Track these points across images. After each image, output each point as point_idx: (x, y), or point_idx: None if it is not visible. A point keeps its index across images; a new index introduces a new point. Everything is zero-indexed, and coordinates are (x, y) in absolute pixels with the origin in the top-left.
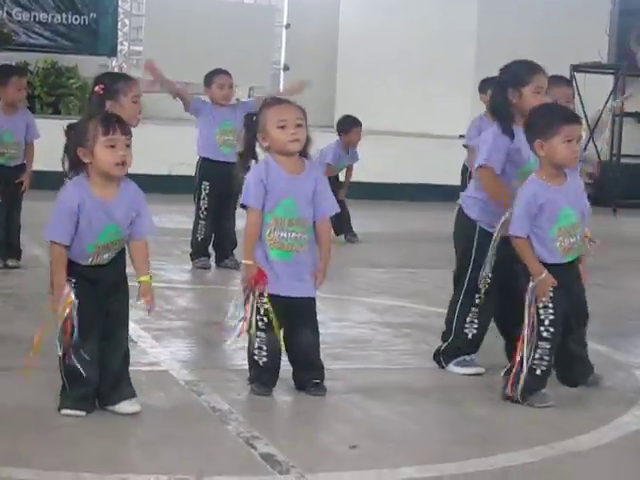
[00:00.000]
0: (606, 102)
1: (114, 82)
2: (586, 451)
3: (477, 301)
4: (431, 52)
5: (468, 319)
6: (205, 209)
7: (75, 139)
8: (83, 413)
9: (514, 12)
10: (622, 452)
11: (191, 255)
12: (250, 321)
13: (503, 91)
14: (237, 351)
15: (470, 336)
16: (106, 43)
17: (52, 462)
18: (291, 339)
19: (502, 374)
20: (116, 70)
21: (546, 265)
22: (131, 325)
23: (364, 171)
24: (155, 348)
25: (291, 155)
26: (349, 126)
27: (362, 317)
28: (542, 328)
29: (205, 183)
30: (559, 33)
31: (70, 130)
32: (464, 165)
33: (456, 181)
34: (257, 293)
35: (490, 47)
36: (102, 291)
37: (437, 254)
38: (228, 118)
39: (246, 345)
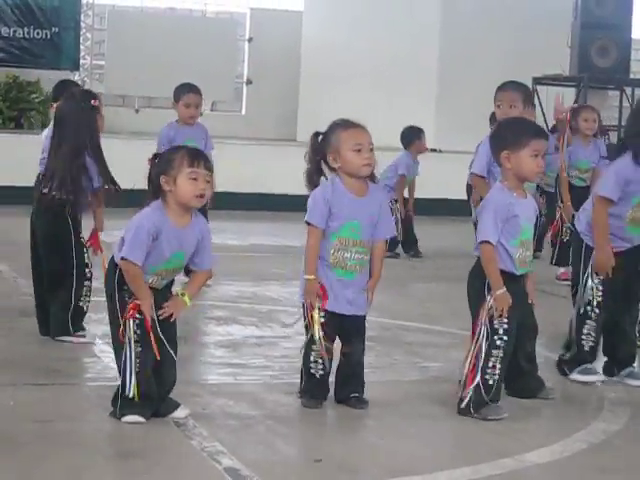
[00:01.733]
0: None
1: (99, 95)
2: (550, 463)
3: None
4: (394, 66)
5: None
6: None
7: (160, 167)
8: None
9: (477, 26)
10: (585, 465)
11: None
12: (313, 333)
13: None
14: (201, 365)
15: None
16: (68, 57)
17: (14, 478)
18: (342, 354)
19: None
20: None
21: (503, 273)
22: (96, 340)
23: None
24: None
25: (361, 178)
26: (416, 135)
27: None
28: (496, 337)
29: None
30: (521, 46)
31: (155, 158)
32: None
33: (426, 194)
34: (318, 306)
35: (453, 60)
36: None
37: (401, 266)
38: (191, 138)
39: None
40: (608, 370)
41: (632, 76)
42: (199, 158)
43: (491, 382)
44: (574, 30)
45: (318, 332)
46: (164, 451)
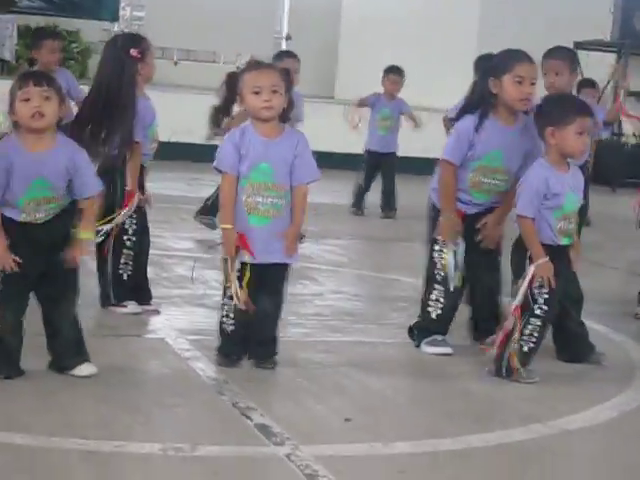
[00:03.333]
0: (608, 81)
1: (144, 43)
2: (581, 429)
3: None
4: (434, 29)
5: None
6: None
7: (9, 100)
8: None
9: None
10: (615, 432)
11: (197, 212)
12: (227, 286)
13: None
14: None
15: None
16: (108, 8)
17: (48, 427)
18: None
19: (483, 345)
20: None
21: (544, 246)
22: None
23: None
24: (151, 316)
25: (265, 121)
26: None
27: (358, 290)
28: (536, 306)
29: None
30: (563, 10)
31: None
32: None
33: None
34: (237, 258)
35: (493, 25)
36: (38, 251)
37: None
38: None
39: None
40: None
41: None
42: (28, 78)
43: (526, 349)
44: None
45: (234, 285)
46: (194, 405)
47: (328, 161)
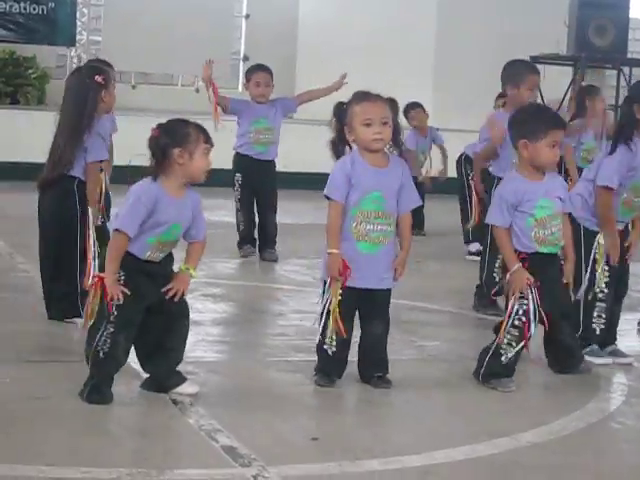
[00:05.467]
0: (565, 94)
1: (107, 71)
2: (548, 442)
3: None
4: (391, 43)
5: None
6: (239, 199)
7: (173, 139)
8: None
9: (473, 3)
10: (583, 444)
11: (238, 244)
12: (329, 310)
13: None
14: (197, 343)
15: None
16: (65, 33)
17: (11, 454)
18: (363, 330)
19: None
20: (75, 60)
21: (523, 254)
22: None
23: (323, 159)
24: None
25: (375, 152)
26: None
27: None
28: (516, 317)
29: (238, 175)
30: (518, 24)
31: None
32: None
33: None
34: (339, 283)
35: (450, 38)
36: (156, 283)
37: None
38: (265, 115)
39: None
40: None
41: (629, 55)
42: (208, 134)
43: (503, 359)
44: (572, 9)
45: (335, 309)
46: (161, 429)
47: (291, 181)
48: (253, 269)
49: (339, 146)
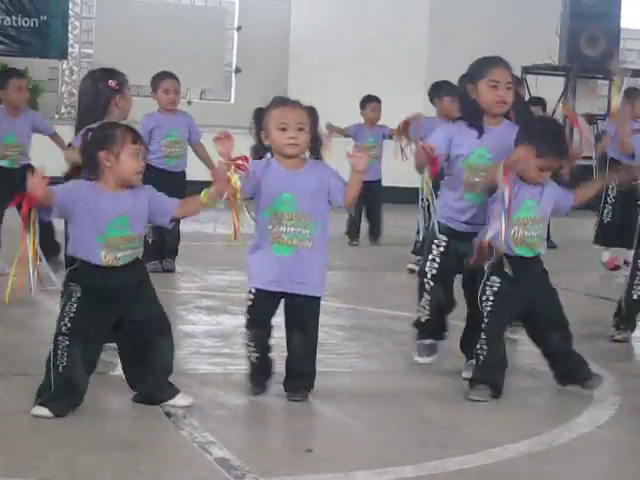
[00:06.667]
0: (557, 104)
1: (122, 76)
2: (540, 452)
3: None
4: (383, 53)
5: None
6: None
7: (98, 142)
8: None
9: (465, 13)
10: (575, 454)
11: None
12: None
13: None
14: (191, 355)
15: None
16: (57, 46)
17: (9, 468)
18: (286, 340)
19: None
20: (67, 73)
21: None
22: None
23: None
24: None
25: (289, 157)
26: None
27: None
28: (485, 319)
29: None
30: (510, 34)
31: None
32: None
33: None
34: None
35: (442, 48)
36: (115, 299)
37: (390, 256)
38: (174, 127)
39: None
40: None
41: (621, 65)
42: (138, 134)
43: (479, 362)
44: (563, 19)
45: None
46: (154, 442)
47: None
48: (245, 281)
49: (260, 151)
